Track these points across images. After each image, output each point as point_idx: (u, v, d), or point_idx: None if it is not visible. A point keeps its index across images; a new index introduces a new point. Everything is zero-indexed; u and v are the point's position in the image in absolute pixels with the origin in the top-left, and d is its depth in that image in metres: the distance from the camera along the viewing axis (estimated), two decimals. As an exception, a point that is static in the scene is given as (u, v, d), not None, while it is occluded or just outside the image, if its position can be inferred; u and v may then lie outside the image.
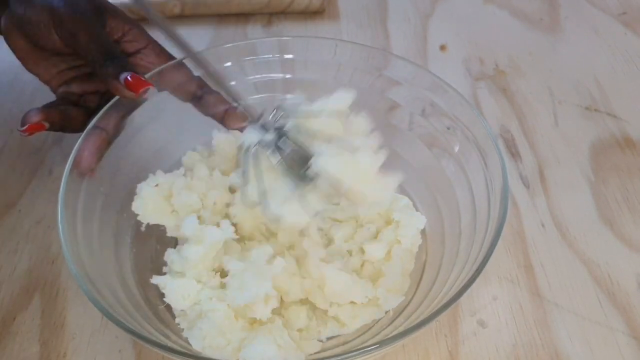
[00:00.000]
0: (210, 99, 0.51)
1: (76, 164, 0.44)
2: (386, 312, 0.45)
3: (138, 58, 0.52)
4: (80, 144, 0.45)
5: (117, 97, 0.47)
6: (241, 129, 0.51)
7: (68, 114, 0.49)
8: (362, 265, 0.47)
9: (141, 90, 0.45)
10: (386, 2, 0.79)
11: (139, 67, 0.52)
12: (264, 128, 0.39)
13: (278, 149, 0.37)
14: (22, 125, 0.47)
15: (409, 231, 0.47)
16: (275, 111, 0.40)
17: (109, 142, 0.47)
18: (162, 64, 0.51)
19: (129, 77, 0.45)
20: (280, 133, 0.38)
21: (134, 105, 0.49)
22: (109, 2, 0.52)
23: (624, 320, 0.47)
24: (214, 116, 0.51)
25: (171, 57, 0.52)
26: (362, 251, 0.47)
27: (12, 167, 0.59)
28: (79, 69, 0.52)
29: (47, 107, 0.49)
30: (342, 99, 0.41)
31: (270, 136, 0.38)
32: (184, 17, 0.76)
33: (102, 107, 0.48)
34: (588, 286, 0.49)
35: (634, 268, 0.50)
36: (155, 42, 0.53)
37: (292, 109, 0.39)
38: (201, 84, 0.52)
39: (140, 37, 0.52)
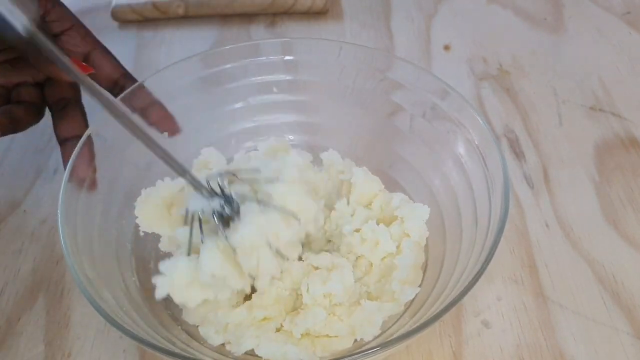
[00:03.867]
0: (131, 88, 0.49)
1: (73, 175, 0.43)
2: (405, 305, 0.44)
3: (63, 41, 0.48)
4: (75, 156, 0.44)
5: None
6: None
7: (14, 116, 0.46)
8: (371, 266, 0.47)
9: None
10: (389, 2, 0.79)
11: (65, 51, 0.47)
12: (207, 196, 0.42)
13: (220, 215, 0.41)
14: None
15: (415, 223, 0.47)
16: (220, 179, 0.43)
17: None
18: (86, 48, 0.48)
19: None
20: (226, 200, 0.42)
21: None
22: None
23: (628, 320, 0.46)
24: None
25: (97, 42, 0.50)
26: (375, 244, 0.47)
27: (16, 167, 0.60)
28: None
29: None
30: (297, 164, 0.45)
31: (214, 204, 0.41)
32: (187, 18, 0.76)
33: (45, 102, 0.46)
34: (592, 286, 0.49)
35: (638, 268, 0.50)
36: (80, 23, 0.49)
37: (243, 176, 0.44)
38: (125, 72, 0.50)
39: (65, 16, 0.48)
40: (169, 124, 0.49)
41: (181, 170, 0.40)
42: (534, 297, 0.48)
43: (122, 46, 0.73)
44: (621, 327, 0.46)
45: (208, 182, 0.42)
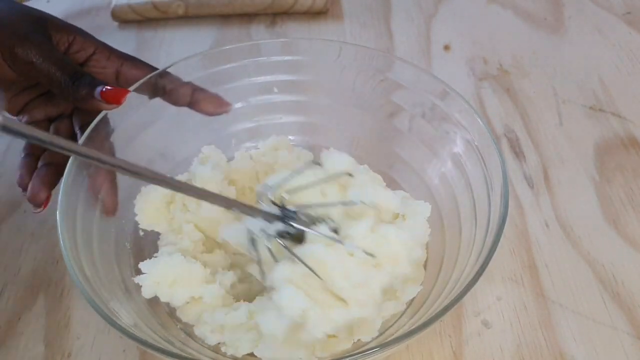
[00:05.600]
0: (170, 86, 0.50)
1: (105, 210, 0.45)
2: (406, 304, 0.44)
3: (89, 66, 0.49)
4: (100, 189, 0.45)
5: (89, 131, 0.45)
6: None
7: (61, 168, 0.47)
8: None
9: (123, 99, 0.43)
10: (389, 2, 0.79)
11: (94, 75, 0.48)
12: (267, 219, 0.40)
13: (282, 236, 0.40)
14: (37, 206, 0.46)
15: (417, 220, 0.46)
16: (272, 199, 0.41)
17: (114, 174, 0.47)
18: (114, 66, 0.49)
19: (104, 90, 0.43)
20: (285, 220, 0.40)
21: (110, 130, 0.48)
22: (46, 12, 0.49)
23: (628, 320, 0.46)
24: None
25: (122, 56, 0.50)
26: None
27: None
28: (33, 89, 0.49)
29: (43, 174, 0.47)
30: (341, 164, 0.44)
31: (275, 226, 0.40)
32: (187, 18, 0.77)
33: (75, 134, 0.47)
34: (592, 286, 0.49)
35: (638, 268, 0.50)
36: (102, 44, 0.50)
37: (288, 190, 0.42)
38: (194, 87, 0.50)
39: (87, 43, 0.49)
40: (218, 105, 0.50)
41: (228, 204, 0.39)
42: (534, 297, 0.48)
43: (122, 46, 0.72)
44: (621, 327, 0.46)
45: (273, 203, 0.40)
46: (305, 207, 0.40)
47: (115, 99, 0.43)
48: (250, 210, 0.40)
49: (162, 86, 0.49)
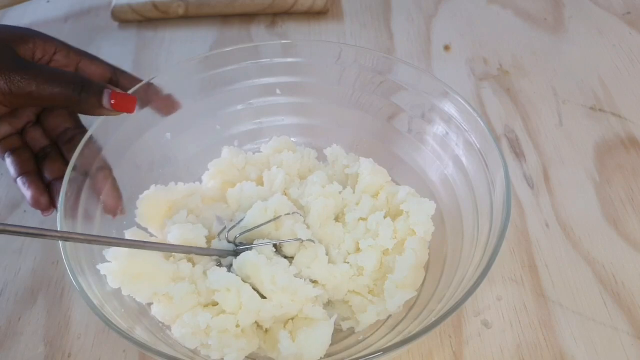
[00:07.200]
0: (124, 83, 0.51)
1: (106, 210, 0.46)
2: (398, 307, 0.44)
3: (52, 65, 0.49)
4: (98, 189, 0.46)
5: (85, 140, 0.45)
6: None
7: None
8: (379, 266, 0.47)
9: (134, 107, 0.44)
10: (389, 3, 0.79)
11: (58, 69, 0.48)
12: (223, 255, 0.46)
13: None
14: (47, 210, 0.48)
15: (420, 218, 0.46)
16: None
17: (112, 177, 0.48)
18: (74, 64, 0.50)
19: (112, 101, 0.43)
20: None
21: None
22: (3, 30, 0.47)
23: (628, 320, 0.46)
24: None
25: (80, 52, 0.51)
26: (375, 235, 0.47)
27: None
28: None
29: (33, 182, 0.48)
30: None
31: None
32: (187, 18, 0.76)
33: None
34: (592, 286, 0.49)
35: (638, 268, 0.50)
36: (60, 43, 0.50)
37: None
38: (114, 69, 0.52)
39: (47, 45, 0.49)
40: (169, 105, 0.52)
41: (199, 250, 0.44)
42: (534, 297, 0.48)
43: (122, 46, 0.73)
44: (621, 327, 0.46)
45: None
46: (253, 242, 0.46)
47: (127, 109, 0.44)
48: (209, 251, 0.45)
49: (118, 84, 0.51)
